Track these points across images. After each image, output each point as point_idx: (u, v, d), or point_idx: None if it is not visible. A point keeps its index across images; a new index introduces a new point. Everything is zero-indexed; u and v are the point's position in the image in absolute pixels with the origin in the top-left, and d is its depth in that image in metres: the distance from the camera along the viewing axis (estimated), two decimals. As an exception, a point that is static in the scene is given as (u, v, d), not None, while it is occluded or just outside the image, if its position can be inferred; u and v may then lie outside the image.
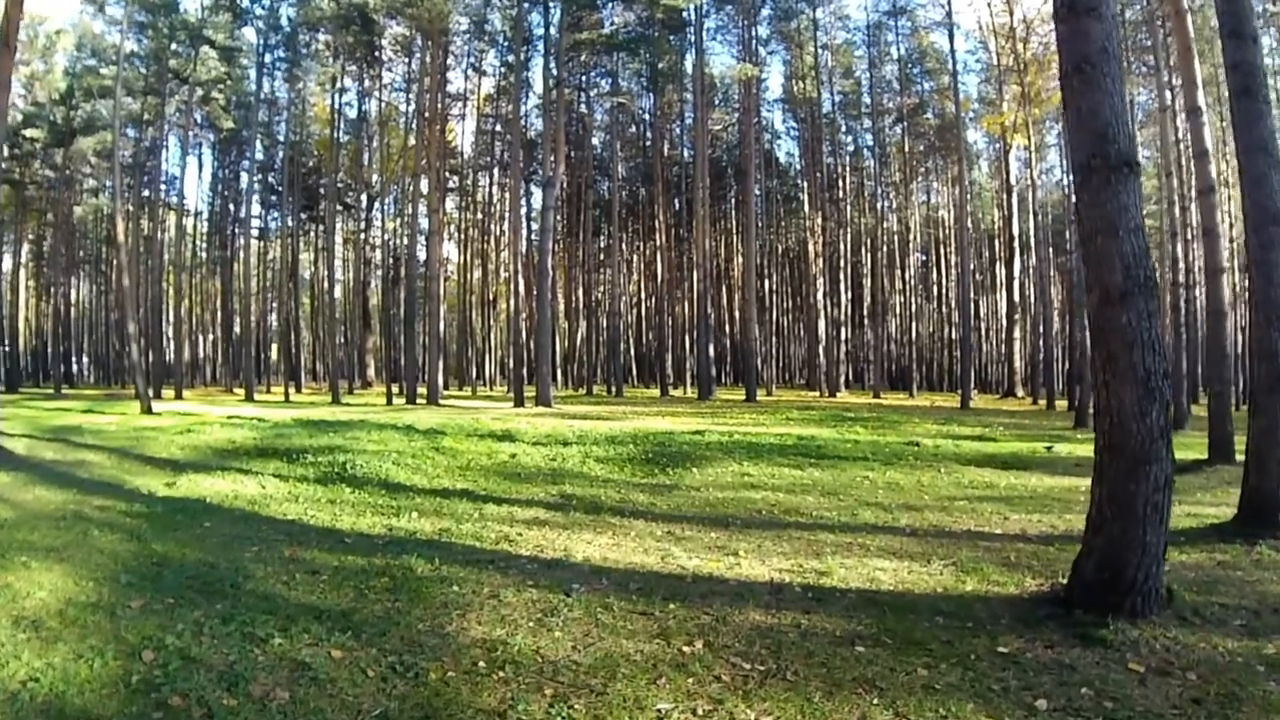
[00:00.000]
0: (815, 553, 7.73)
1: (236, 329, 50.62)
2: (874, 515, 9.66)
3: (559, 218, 53.03)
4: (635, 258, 60.95)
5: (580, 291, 54.63)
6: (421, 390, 34.02)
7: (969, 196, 39.70)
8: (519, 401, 29.29)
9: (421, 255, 40.30)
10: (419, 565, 7.06)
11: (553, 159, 35.16)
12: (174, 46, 38.22)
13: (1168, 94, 25.48)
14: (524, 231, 47.76)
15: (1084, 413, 23.43)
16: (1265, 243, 8.78)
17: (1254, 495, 8.70)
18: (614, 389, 43.74)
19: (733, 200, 58.12)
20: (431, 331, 35.50)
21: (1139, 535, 5.90)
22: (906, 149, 51.95)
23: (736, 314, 56.58)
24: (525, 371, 33.08)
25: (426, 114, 36.99)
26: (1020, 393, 44.39)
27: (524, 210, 50.52)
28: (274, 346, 64.42)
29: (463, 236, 55.66)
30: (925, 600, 6.32)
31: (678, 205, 54.09)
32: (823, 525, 9.06)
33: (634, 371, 60.41)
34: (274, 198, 51.63)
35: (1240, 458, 15.37)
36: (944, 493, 11.38)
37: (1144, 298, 5.94)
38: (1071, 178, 6.15)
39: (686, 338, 50.06)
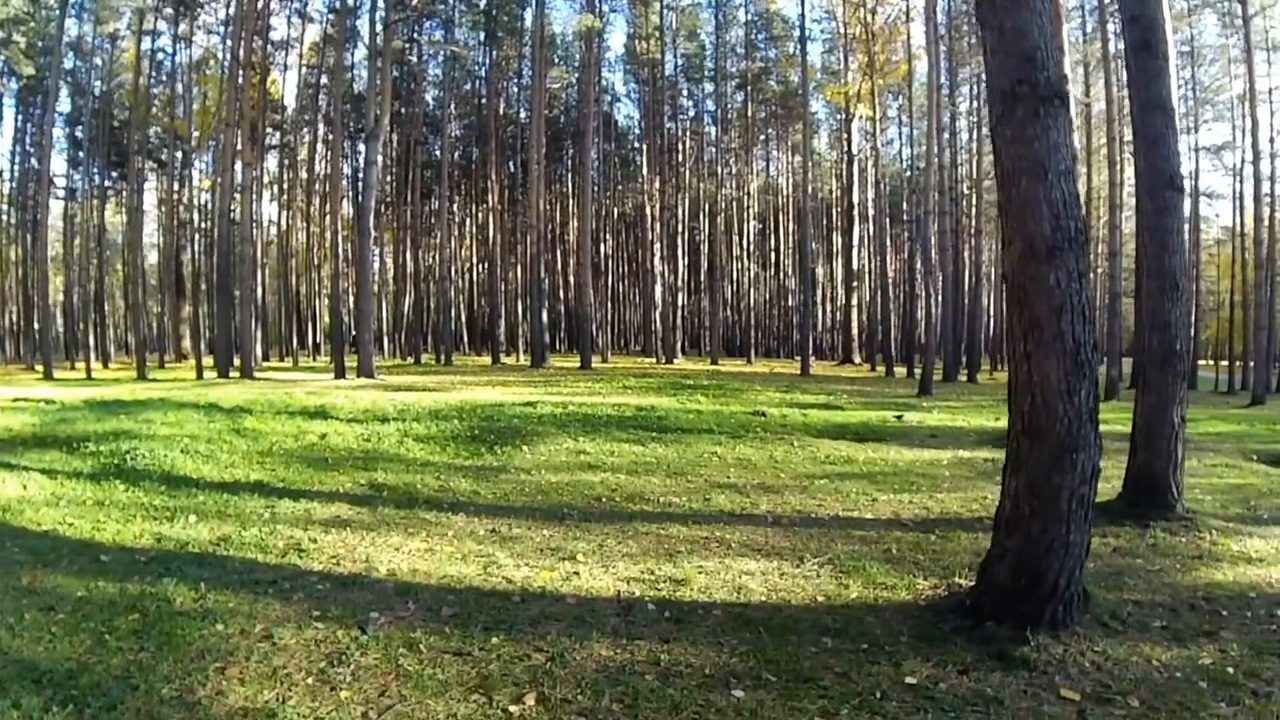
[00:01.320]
0: (668, 552, 6.42)
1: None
2: (729, 500, 8.46)
3: (388, 179, 49.98)
4: (468, 221, 58.24)
5: (409, 256, 51.57)
6: (242, 363, 30.84)
7: (809, 165, 39.52)
8: (339, 373, 26.82)
9: (239, 215, 36.61)
10: (180, 594, 5.24)
11: (378, 110, 32.39)
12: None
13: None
14: (348, 191, 44.56)
15: (928, 380, 23.44)
16: (1160, 207, 8.05)
17: (1142, 474, 8.05)
18: (443, 358, 41.48)
19: (569, 163, 56.39)
20: (245, 298, 32.21)
21: (1062, 534, 4.92)
22: (749, 115, 51.60)
23: (571, 279, 55.07)
24: (351, 341, 30.54)
25: (245, 60, 33.33)
26: (857, 359, 45.10)
27: (348, 169, 47.11)
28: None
29: (286, 198, 51.47)
30: (806, 615, 5.12)
31: (513, 167, 51.92)
32: (673, 515, 7.77)
33: (465, 339, 57.87)
34: (82, 154, 45.90)
35: (1107, 429, 15.53)
36: (801, 470, 10.38)
37: (1074, 254, 4.92)
38: (989, 110, 4.97)
39: (520, 304, 48.21)
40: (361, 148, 46.63)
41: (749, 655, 4.46)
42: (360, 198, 33.75)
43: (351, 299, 41.29)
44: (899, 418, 15.84)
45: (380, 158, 52.04)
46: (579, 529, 7.10)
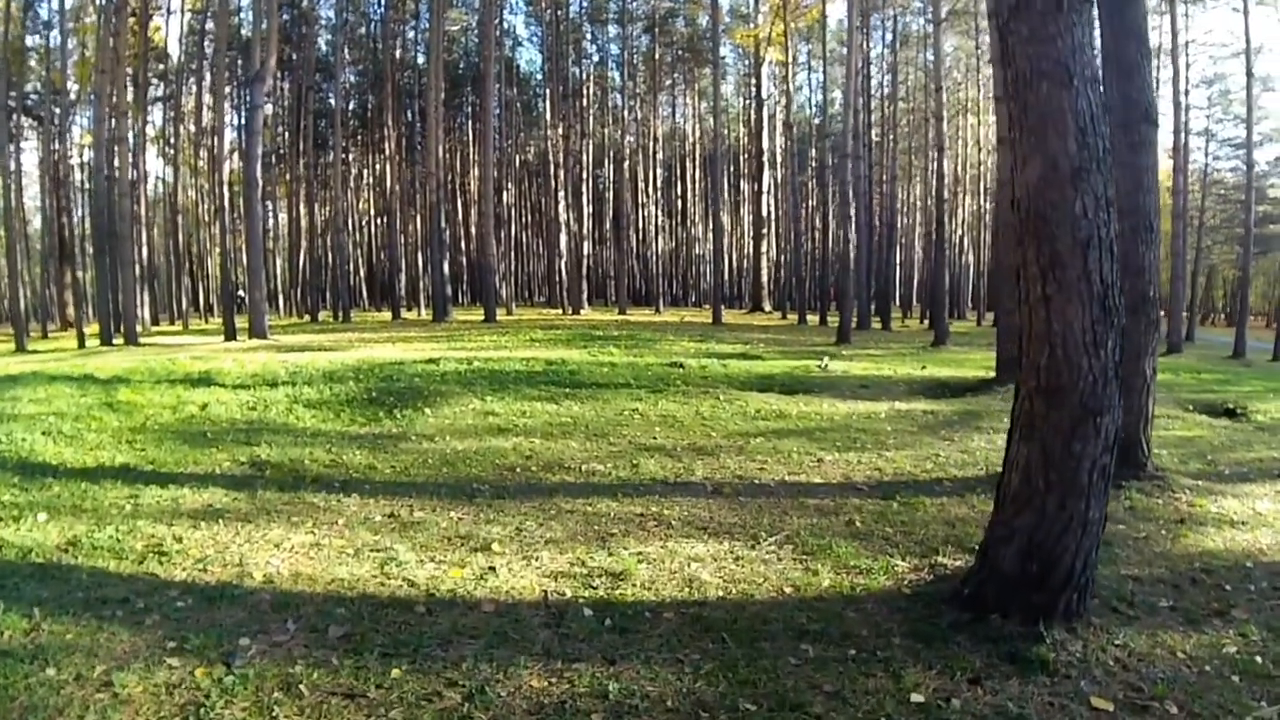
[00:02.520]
0: (599, 536, 5.41)
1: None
2: (660, 465, 7.48)
3: (280, 130, 46.98)
4: (365, 173, 55.36)
5: (303, 209, 48.60)
6: (126, 329, 28.34)
7: (718, 108, 38.52)
8: (230, 335, 24.79)
9: (120, 170, 33.47)
10: (10, 625, 3.92)
11: (264, 51, 29.86)
12: None
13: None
14: (239, 143, 41.47)
15: (846, 328, 22.95)
16: (1135, 142, 7.34)
17: None
18: (341, 315, 39.34)
19: (470, 110, 54.00)
20: (126, 258, 29.52)
21: (1081, 511, 4.13)
22: (655, 58, 50.17)
23: (474, 230, 53.00)
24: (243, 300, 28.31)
25: (121, 1, 30.21)
26: (767, 307, 44.70)
27: (237, 120, 43.94)
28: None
29: (174, 152, 47.74)
30: (776, 613, 4.21)
31: (411, 116, 49.34)
32: (599, 486, 6.76)
33: (365, 295, 55.26)
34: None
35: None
36: (733, 427, 9.49)
37: (1102, 176, 4.07)
38: (998, 6, 3.92)
39: (420, 256, 45.93)
40: (250, 96, 43.51)
41: (717, 676, 3.52)
42: (246, 146, 31.26)
43: (245, 257, 38.62)
44: (823, 367, 15.16)
45: (270, 106, 48.99)
46: (492, 508, 6.03)
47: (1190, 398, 13.32)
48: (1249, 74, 24.87)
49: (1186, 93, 27.74)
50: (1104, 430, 4.08)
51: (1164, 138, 29.51)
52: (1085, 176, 4.00)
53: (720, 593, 4.46)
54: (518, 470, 7.25)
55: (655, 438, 8.75)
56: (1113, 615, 4.31)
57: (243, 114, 42.81)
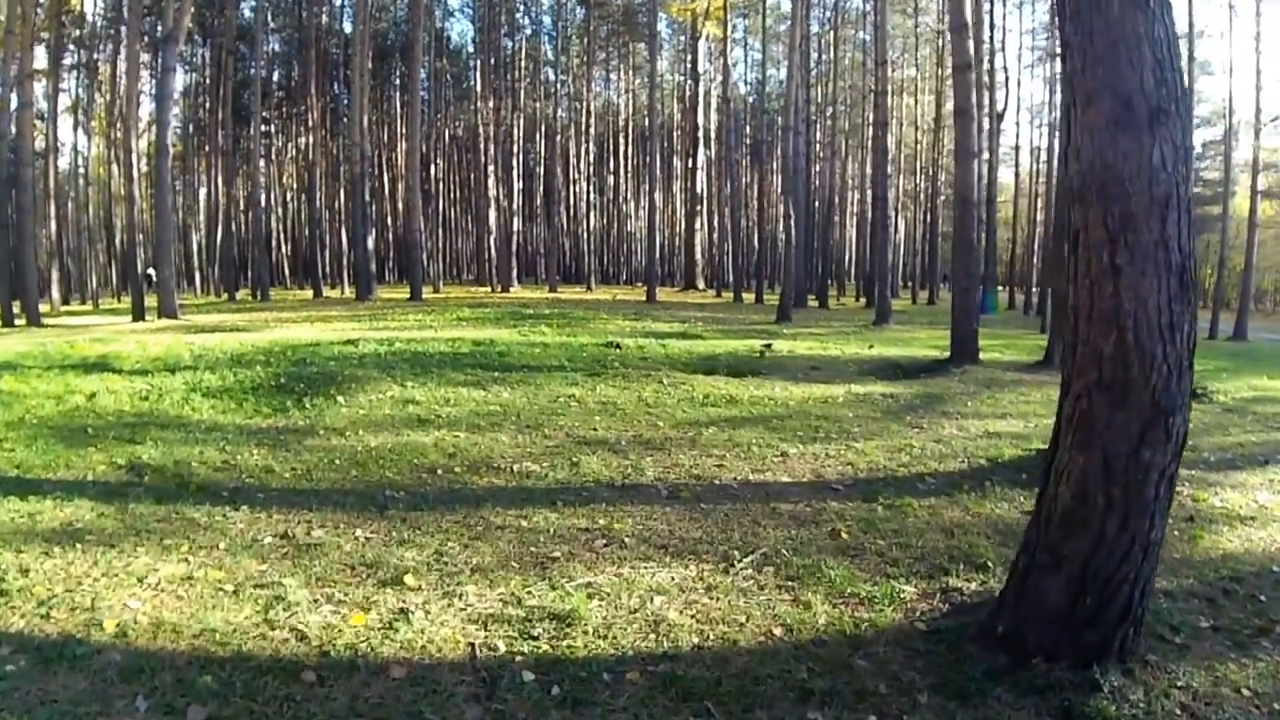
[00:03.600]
0: (537, 561, 4.42)
1: None
2: (604, 464, 6.52)
3: (201, 99, 44.44)
4: (289, 146, 52.91)
5: (221, 183, 45.97)
6: (27, 309, 26.12)
7: (655, 81, 37.48)
8: (138, 315, 23.02)
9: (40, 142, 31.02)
10: None
11: (177, 8, 27.82)
12: None
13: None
14: (158, 114, 38.79)
15: (787, 306, 22.29)
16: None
17: None
18: (260, 293, 37.32)
19: (399, 82, 51.95)
20: (27, 233, 27.22)
21: (1144, 532, 3.34)
22: (590, 30, 48.79)
23: (401, 205, 51.10)
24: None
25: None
26: (701, 285, 43.99)
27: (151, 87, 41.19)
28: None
29: (90, 122, 44.64)
30: (769, 665, 3.32)
31: (337, 86, 47.24)
32: (534, 492, 5.75)
33: (288, 273, 52.92)
34: None
35: (986, 357, 14.76)
36: (681, 415, 8.58)
37: (1180, 122, 3.25)
38: None
39: (345, 232, 44.08)
40: (162, 58, 40.73)
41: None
42: (158, 111, 29.14)
43: (155, 231, 36.23)
44: (767, 347, 14.40)
45: (191, 75, 46.42)
46: (407, 524, 4.99)
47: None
48: (1190, 58, 24.93)
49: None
50: (1175, 433, 3.28)
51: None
52: (1164, 119, 3.18)
53: (695, 639, 3.53)
54: (439, 472, 6.21)
55: (595, 429, 7.79)
56: (1161, 646, 3.61)
57: (156, 75, 40.24)
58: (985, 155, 26.17)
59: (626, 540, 4.69)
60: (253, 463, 6.47)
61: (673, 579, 4.17)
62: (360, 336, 14.74)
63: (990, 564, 4.50)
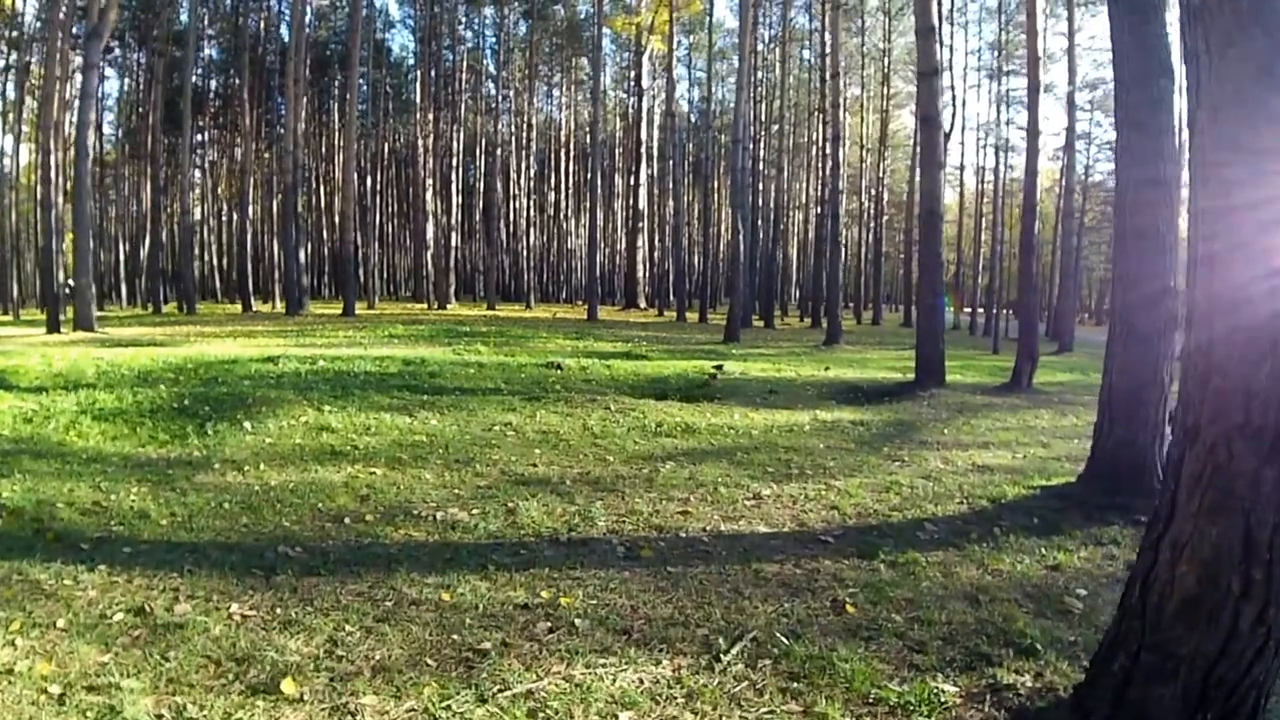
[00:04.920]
0: (462, 657, 3.28)
1: None
2: (547, 511, 5.41)
3: (137, 105, 42.33)
4: (224, 156, 50.75)
5: (151, 192, 43.63)
6: None
7: (599, 95, 36.57)
8: (53, 326, 21.38)
9: None
10: None
11: (103, 1, 26.11)
12: None
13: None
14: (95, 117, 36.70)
15: (735, 326, 21.45)
16: (1153, 99, 6.00)
17: (1121, 452, 6.21)
18: (186, 306, 35.37)
19: (338, 94, 50.28)
20: None
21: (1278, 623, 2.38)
22: (532, 42, 47.79)
23: (338, 219, 49.37)
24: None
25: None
26: (643, 303, 43.09)
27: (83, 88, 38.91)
28: None
29: (19, 126, 41.96)
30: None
31: (273, 95, 45.43)
32: (460, 549, 4.63)
33: (219, 286, 50.78)
34: None
35: (952, 378, 14.00)
36: (633, 447, 7.55)
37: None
38: None
39: (277, 244, 42.27)
40: (85, 55, 38.41)
41: None
42: (79, 111, 27.35)
43: (73, 239, 34.17)
44: (719, 368, 13.47)
45: (124, 80, 44.32)
46: (298, 596, 3.83)
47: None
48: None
49: (1075, 92, 27.64)
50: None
51: (1053, 140, 29.55)
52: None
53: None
54: (347, 521, 5.05)
55: (535, 464, 6.71)
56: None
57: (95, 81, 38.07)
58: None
59: (577, 623, 3.59)
60: (128, 505, 5.26)
61: (641, 682, 3.10)
62: (282, 353, 13.46)
63: (1038, 646, 3.55)
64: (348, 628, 3.50)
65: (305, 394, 9.24)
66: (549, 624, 3.57)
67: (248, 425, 7.69)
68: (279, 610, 3.67)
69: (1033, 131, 13.36)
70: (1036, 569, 4.69)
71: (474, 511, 5.26)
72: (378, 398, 9.28)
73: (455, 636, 3.42)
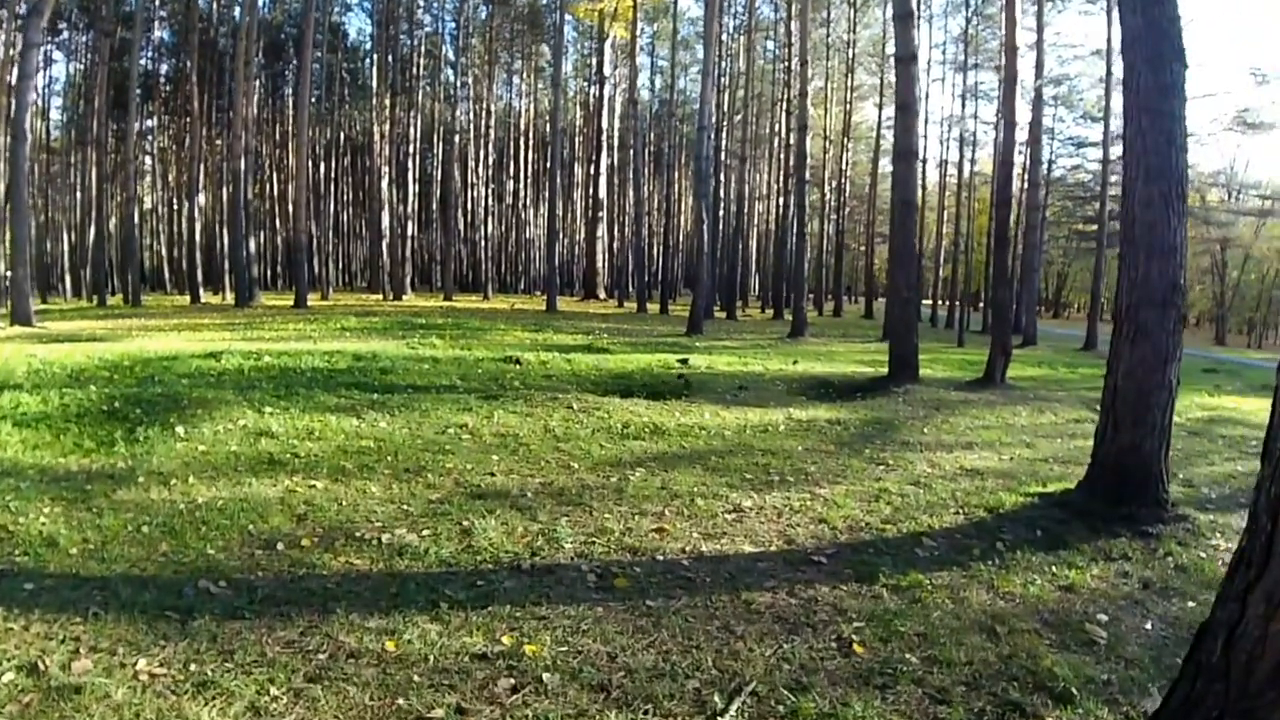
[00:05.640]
0: None
1: None
2: (506, 530, 4.83)
3: (85, 91, 40.65)
4: (173, 142, 48.99)
5: (98, 179, 41.93)
6: None
7: (559, 82, 35.78)
8: None
9: None
10: None
11: None
12: None
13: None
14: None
15: (698, 317, 20.97)
16: (1165, 85, 5.60)
17: (1126, 457, 5.70)
18: (131, 298, 34.04)
19: (292, 78, 48.82)
20: None
21: None
22: (493, 26, 46.78)
23: (291, 207, 48.04)
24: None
25: None
26: (603, 295, 42.50)
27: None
28: None
29: None
30: None
31: (229, 81, 43.93)
32: (408, 582, 4.03)
33: (168, 276, 49.14)
34: None
35: (924, 373, 13.62)
36: (599, 453, 6.99)
37: None
38: None
39: (227, 232, 40.94)
40: (25, 33, 36.67)
41: None
42: (17, 91, 26.06)
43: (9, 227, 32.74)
44: (684, 362, 13.02)
45: (71, 64, 42.68)
46: (217, 646, 3.23)
47: (1091, 396, 12.02)
48: (1108, 79, 24.92)
49: (1041, 88, 27.68)
50: None
51: (1019, 134, 29.60)
52: None
53: None
54: (280, 547, 4.44)
55: (493, 472, 6.14)
56: None
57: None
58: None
59: (545, 678, 3.04)
60: (36, 529, 4.60)
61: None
62: (227, 348, 12.72)
63: (1072, 690, 3.14)
64: (273, 690, 2.92)
65: (246, 394, 8.57)
66: (512, 680, 3.02)
67: (180, 430, 7.02)
68: (193, 667, 3.08)
69: (1009, 122, 13.00)
70: (1050, 591, 4.27)
71: (424, 533, 4.69)
72: (324, 397, 8.65)
73: (401, 701, 2.86)
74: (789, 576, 4.23)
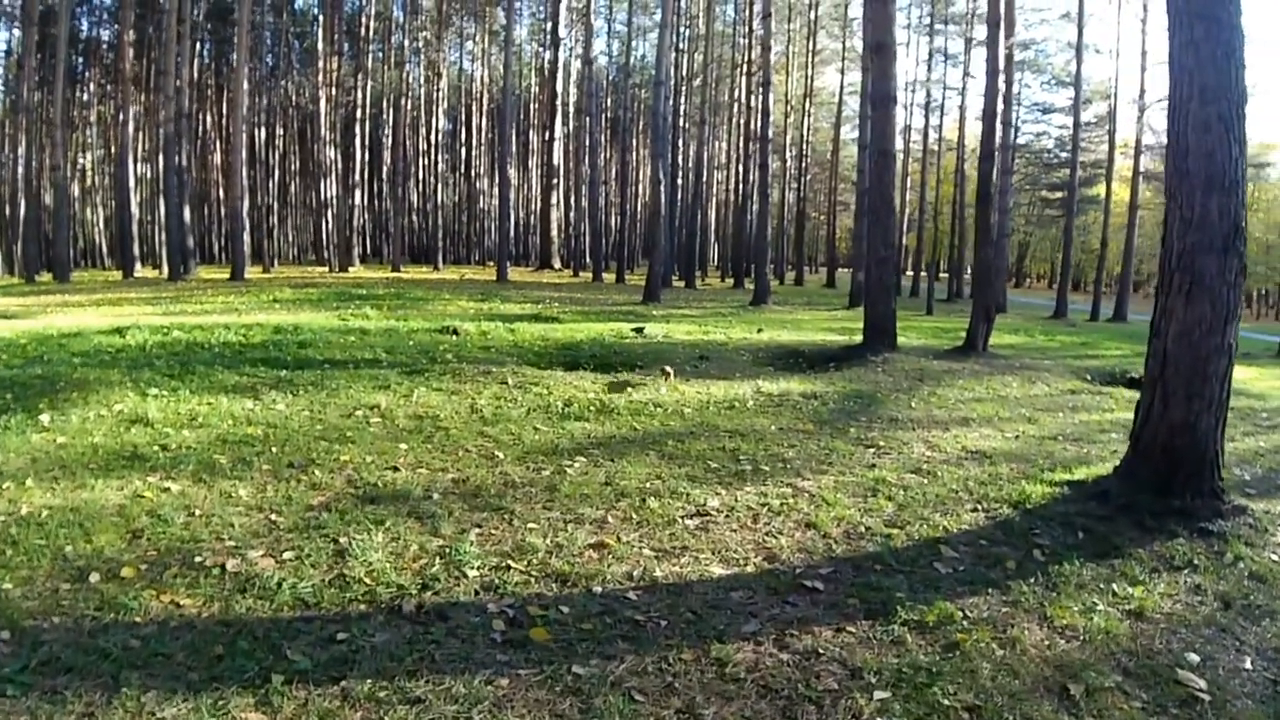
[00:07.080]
0: None
1: None
2: (393, 551, 3.64)
3: (26, 57, 38.22)
4: (115, 110, 46.37)
5: (30, 148, 39.30)
6: None
7: (510, 46, 34.16)
8: None
9: None
10: None
11: None
12: None
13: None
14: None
15: (656, 285, 19.85)
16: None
17: (1176, 436, 4.71)
18: (58, 273, 32.04)
19: (236, 41, 46.48)
20: None
21: None
22: (446, -10, 44.83)
23: (227, 175, 45.79)
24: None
25: None
26: (557, 264, 41.17)
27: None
28: None
29: None
30: None
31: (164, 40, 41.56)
32: (241, 636, 2.84)
33: (104, 250, 46.77)
34: None
35: (902, 340, 12.59)
36: (531, 438, 5.76)
37: None
38: None
39: (165, 204, 38.85)
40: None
41: None
42: None
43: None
44: (639, 331, 11.92)
45: (9, 29, 40.19)
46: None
47: (1078, 365, 11.16)
48: (1079, 42, 24.32)
49: (1013, 48, 26.99)
50: None
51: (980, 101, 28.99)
52: None
53: None
54: (93, 578, 3.19)
55: (398, 466, 4.91)
56: None
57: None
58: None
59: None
60: None
61: None
62: (136, 323, 11.41)
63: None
64: None
65: (135, 373, 7.29)
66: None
67: (46, 419, 5.70)
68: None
69: (993, 70, 12.00)
70: (1117, 621, 3.22)
71: (286, 555, 3.47)
72: (224, 375, 7.37)
73: None
74: (774, 614, 3.11)
